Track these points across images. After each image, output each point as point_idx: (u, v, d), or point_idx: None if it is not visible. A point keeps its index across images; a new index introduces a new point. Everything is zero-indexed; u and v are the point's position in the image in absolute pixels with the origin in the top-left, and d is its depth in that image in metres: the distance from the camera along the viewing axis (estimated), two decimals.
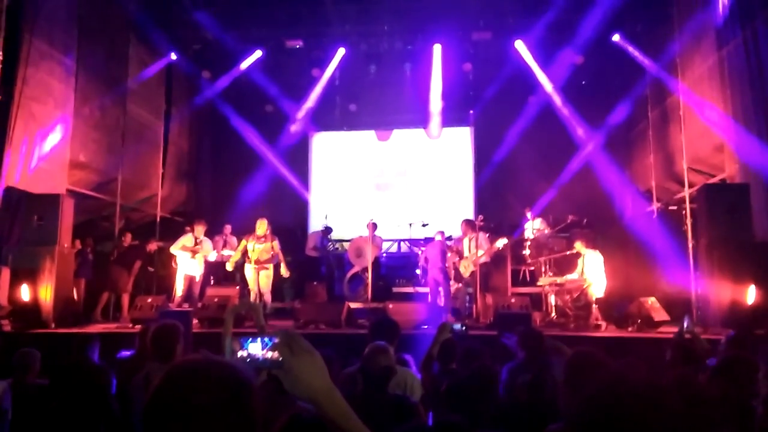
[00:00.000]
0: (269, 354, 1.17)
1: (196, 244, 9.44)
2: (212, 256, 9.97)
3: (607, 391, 1.03)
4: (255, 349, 1.18)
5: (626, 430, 0.96)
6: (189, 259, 9.35)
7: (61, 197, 8.63)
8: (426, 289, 11.11)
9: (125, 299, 9.90)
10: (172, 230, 11.99)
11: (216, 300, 8.72)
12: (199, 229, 9.52)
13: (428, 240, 12.19)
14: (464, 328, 4.34)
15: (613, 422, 0.97)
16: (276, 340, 1.16)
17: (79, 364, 3.55)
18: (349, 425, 1.15)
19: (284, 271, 9.41)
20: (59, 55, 9.48)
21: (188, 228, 9.88)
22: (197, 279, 9.51)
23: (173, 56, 12.87)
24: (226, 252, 10.59)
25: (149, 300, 8.80)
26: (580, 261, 8.92)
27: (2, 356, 4.33)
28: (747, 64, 8.11)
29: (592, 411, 1.01)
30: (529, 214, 11.37)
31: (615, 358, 3.48)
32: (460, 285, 10.01)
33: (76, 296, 9.37)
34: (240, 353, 1.18)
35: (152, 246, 10.66)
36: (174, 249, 9.44)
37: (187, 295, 9.38)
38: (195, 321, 8.11)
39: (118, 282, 9.91)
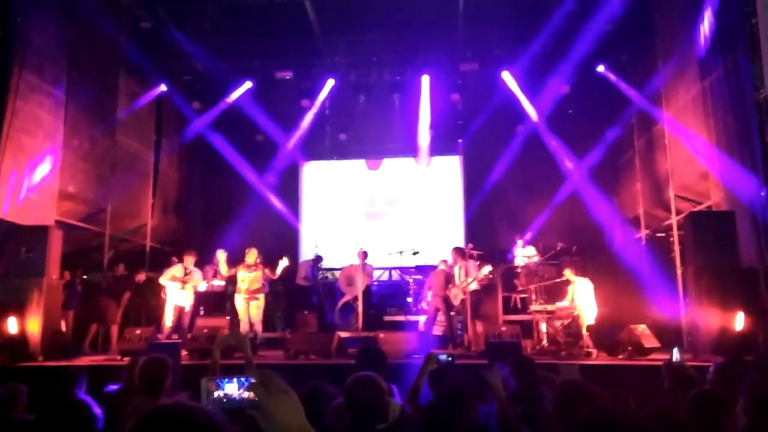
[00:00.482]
0: (245, 394, 1.17)
1: (185, 274, 9.38)
2: (202, 286, 9.92)
3: (592, 425, 1.05)
4: (231, 389, 1.19)
5: None
6: (178, 290, 9.29)
7: (50, 228, 8.59)
8: (417, 318, 11.10)
9: (114, 330, 9.81)
10: (161, 260, 11.93)
11: (206, 331, 8.64)
12: (189, 260, 9.48)
13: (419, 268, 12.21)
14: (450, 358, 4.31)
15: None
16: (252, 380, 1.17)
17: (65, 399, 3.50)
18: None
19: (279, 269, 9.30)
20: (49, 87, 9.52)
21: (175, 258, 9.84)
22: (187, 309, 9.43)
23: (163, 87, 12.95)
24: (216, 282, 10.55)
25: (138, 331, 8.71)
26: (570, 288, 8.94)
27: None
28: (729, 93, 8.25)
29: None
30: (519, 242, 11.44)
31: (606, 386, 3.48)
32: (453, 313, 9.99)
33: (64, 328, 9.27)
34: (216, 393, 1.19)
35: (141, 276, 10.60)
36: (163, 279, 9.39)
37: (177, 326, 9.30)
38: (184, 353, 8.03)
39: (107, 313, 9.84)
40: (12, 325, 7.90)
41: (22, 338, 7.92)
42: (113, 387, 4.50)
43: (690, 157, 9.45)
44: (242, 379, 1.19)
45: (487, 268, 9.33)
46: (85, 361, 8.22)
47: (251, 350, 8.86)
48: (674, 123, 9.99)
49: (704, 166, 9.02)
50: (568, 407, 2.70)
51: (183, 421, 1.06)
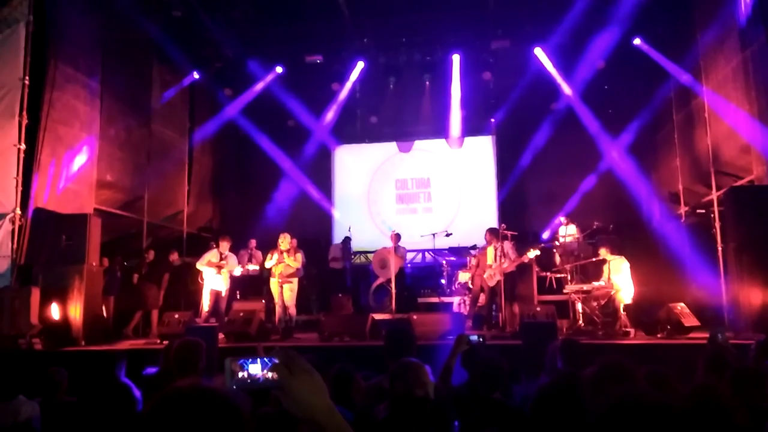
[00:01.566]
0: (269, 374, 1.17)
1: (221, 259, 9.49)
2: (237, 271, 10.03)
3: (622, 410, 1.02)
4: (255, 369, 1.19)
5: None
6: (214, 275, 9.42)
7: (89, 217, 8.79)
8: (451, 299, 11.08)
9: (154, 315, 10.02)
10: (198, 246, 12.10)
11: (242, 314, 8.77)
12: (224, 245, 9.59)
13: (452, 249, 12.18)
14: (481, 339, 4.29)
15: None
16: (275, 361, 1.17)
17: (106, 382, 3.59)
18: None
19: (294, 263, 9.39)
20: (84, 78, 9.71)
21: (213, 244, 9.97)
22: (223, 294, 9.56)
23: (196, 75, 13.08)
24: (251, 267, 10.67)
25: (176, 316, 8.90)
26: (605, 267, 8.79)
27: (33, 375, 4.41)
28: None
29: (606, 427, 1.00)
30: (563, 219, 11.29)
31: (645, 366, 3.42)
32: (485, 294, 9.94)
33: (105, 313, 9.51)
34: (240, 374, 1.19)
35: (174, 257, 10.77)
36: (200, 265, 9.53)
37: (214, 310, 9.45)
38: (221, 336, 8.17)
39: (148, 298, 10.06)
40: (55, 311, 8.14)
41: (64, 324, 8.16)
42: (152, 370, 4.60)
43: (731, 130, 9.17)
44: (266, 359, 1.19)
45: (534, 252, 9.24)
46: (125, 345, 8.43)
47: (287, 333, 9.02)
48: (714, 96, 9.69)
49: (745, 139, 8.75)
50: (604, 388, 2.64)
51: (197, 402, 1.07)
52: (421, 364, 2.92)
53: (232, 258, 9.73)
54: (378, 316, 9.21)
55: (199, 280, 9.86)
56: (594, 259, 9.24)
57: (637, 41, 11.82)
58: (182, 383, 1.14)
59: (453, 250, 12.19)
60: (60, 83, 9.10)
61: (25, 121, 8.59)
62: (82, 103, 9.67)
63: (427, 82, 13.81)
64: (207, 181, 14.24)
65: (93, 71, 9.94)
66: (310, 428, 1.14)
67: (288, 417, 1.14)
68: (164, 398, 1.09)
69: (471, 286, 10.25)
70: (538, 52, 12.58)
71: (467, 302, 10.36)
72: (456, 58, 13.20)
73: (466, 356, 4.02)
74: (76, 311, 8.23)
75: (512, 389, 4.08)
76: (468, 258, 11.18)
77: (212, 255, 9.50)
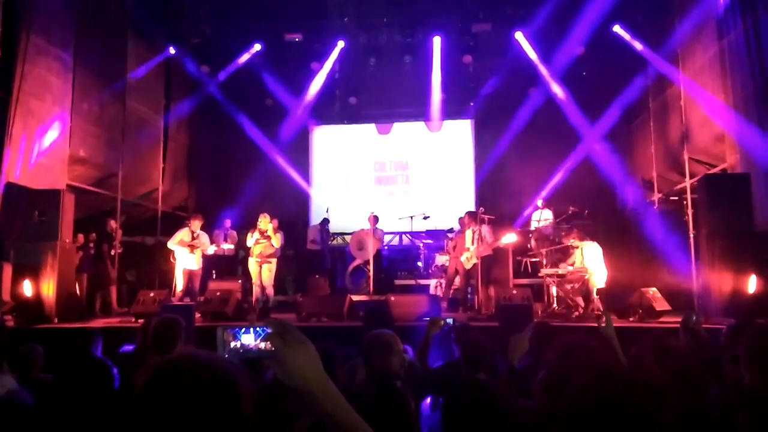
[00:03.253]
0: (262, 344, 1.16)
1: (193, 238, 9.40)
2: (210, 250, 9.92)
3: (594, 388, 1.03)
4: (248, 339, 1.18)
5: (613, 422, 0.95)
6: (187, 254, 9.32)
7: (62, 192, 8.62)
8: (427, 281, 11.15)
9: (113, 291, 9.88)
10: (173, 226, 11.97)
11: (218, 294, 8.72)
12: (195, 224, 9.47)
13: (430, 232, 12.22)
14: (452, 321, 4.37)
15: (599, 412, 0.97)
16: (268, 331, 1.16)
17: (82, 359, 3.54)
18: (343, 416, 1.13)
19: (276, 242, 9.39)
20: (57, 51, 9.45)
21: (186, 222, 9.85)
22: (196, 273, 9.49)
23: (172, 51, 12.83)
24: (225, 246, 10.57)
25: (152, 294, 8.81)
26: (576, 252, 8.92)
27: (6, 352, 4.33)
28: (748, 54, 8.07)
29: (579, 402, 1.01)
30: (540, 202, 11.38)
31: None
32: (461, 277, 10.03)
33: (78, 291, 9.38)
34: (233, 344, 1.17)
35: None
36: (171, 244, 9.42)
37: (188, 290, 9.38)
38: (197, 315, 8.12)
39: (101, 277, 9.92)
40: (27, 288, 8.01)
41: (37, 301, 8.02)
42: (128, 347, 4.56)
43: (706, 118, 9.30)
44: (258, 329, 1.17)
45: (511, 236, 9.33)
46: (99, 323, 8.33)
47: (264, 313, 8.99)
48: (690, 84, 9.81)
49: (720, 127, 8.89)
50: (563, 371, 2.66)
51: (195, 372, 1.05)
52: (393, 334, 2.94)
53: (204, 237, 9.64)
54: (356, 297, 9.23)
55: (171, 260, 9.75)
56: (563, 245, 9.37)
57: (616, 28, 11.88)
58: (177, 353, 1.11)
59: (430, 233, 12.24)
60: (31, 55, 8.83)
61: None
62: (54, 77, 9.42)
63: (408, 64, 13.74)
64: (182, 160, 14.04)
65: (66, 44, 9.68)
66: (304, 398, 1.14)
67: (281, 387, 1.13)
68: (161, 369, 1.07)
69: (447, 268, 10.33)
70: (519, 36, 12.58)
71: (443, 285, 10.44)
72: (437, 41, 13.14)
73: (459, 334, 4.07)
74: (48, 288, 8.10)
75: (495, 362, 4.15)
76: (445, 241, 11.24)
77: (184, 234, 9.40)
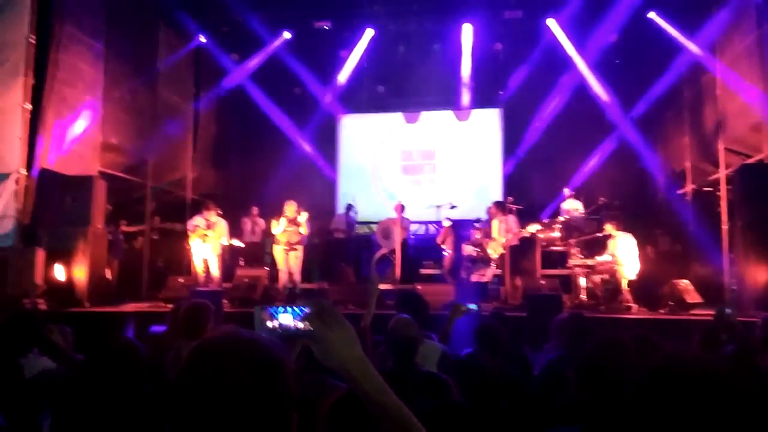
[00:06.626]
0: (300, 324, 1.14)
1: (207, 227, 9.21)
2: (224, 240, 9.53)
3: (666, 366, 0.99)
4: (285, 319, 1.15)
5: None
6: (201, 243, 9.22)
7: (94, 179, 8.77)
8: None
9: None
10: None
11: (246, 281, 8.79)
12: (208, 213, 9.26)
13: (456, 222, 12.14)
14: (477, 308, 4.35)
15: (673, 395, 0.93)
16: (307, 311, 1.14)
17: (114, 340, 3.59)
18: (382, 397, 1.12)
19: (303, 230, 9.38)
20: (88, 39, 9.58)
21: (202, 211, 9.62)
22: (211, 262, 9.29)
23: (202, 39, 12.91)
24: (235, 242, 10.25)
25: (181, 280, 8.93)
26: (611, 243, 8.76)
27: (39, 335, 4.41)
28: None
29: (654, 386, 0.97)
30: (567, 192, 11.19)
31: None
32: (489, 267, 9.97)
33: (109, 276, 9.53)
34: (269, 324, 1.15)
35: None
36: (190, 224, 9.33)
37: (207, 278, 9.28)
38: (224, 301, 8.19)
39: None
40: (59, 273, 8.16)
41: (69, 285, 8.18)
42: (158, 328, 4.62)
43: (742, 108, 9.07)
44: (296, 309, 1.15)
45: (535, 227, 9.24)
46: (130, 307, 8.46)
47: (291, 300, 9.04)
48: (727, 72, 9.56)
49: (756, 117, 8.66)
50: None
51: (239, 349, 1.03)
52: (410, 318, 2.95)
53: (220, 225, 9.43)
54: (382, 286, 9.21)
55: (187, 246, 9.65)
56: (599, 234, 9.21)
57: (651, 14, 11.61)
58: (219, 330, 1.09)
59: (457, 223, 12.15)
60: (64, 43, 8.97)
61: (30, 81, 8.49)
62: (85, 64, 9.55)
63: (437, 52, 13.60)
64: (211, 147, 14.14)
65: (97, 32, 9.80)
66: (344, 379, 1.12)
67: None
68: (205, 346, 1.05)
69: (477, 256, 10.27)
70: (551, 23, 12.38)
71: (471, 275, 10.37)
72: (467, 28, 13.00)
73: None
74: (80, 273, 8.25)
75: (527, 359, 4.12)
76: (471, 231, 11.16)
77: (198, 221, 9.31)
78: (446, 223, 10.81)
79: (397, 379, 2.52)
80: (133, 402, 2.65)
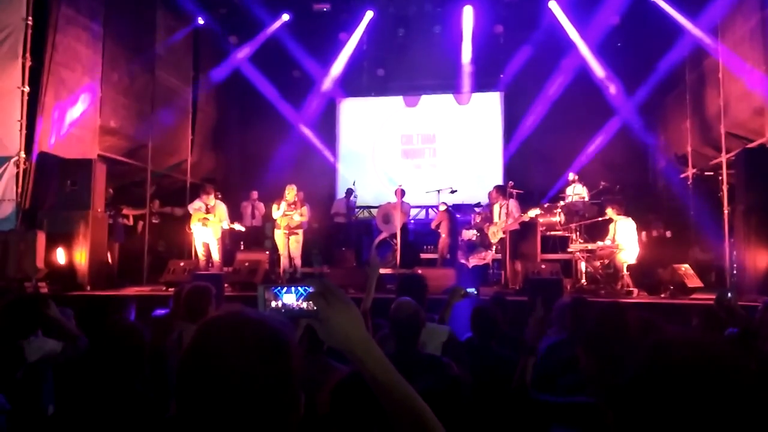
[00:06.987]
0: (304, 304, 1.14)
1: (207, 211, 9.24)
2: (225, 224, 9.52)
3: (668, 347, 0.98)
4: (289, 299, 1.15)
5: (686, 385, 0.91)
6: (201, 227, 9.26)
7: (94, 162, 8.74)
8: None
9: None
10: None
11: (247, 264, 8.79)
12: (206, 197, 9.27)
13: (457, 206, 12.14)
14: (476, 292, 4.38)
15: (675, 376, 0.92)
16: (311, 290, 1.13)
17: (117, 323, 3.60)
18: (387, 376, 1.11)
19: (301, 217, 9.41)
20: (85, 20, 9.49)
21: (200, 194, 9.64)
22: (212, 246, 9.35)
23: (200, 21, 12.80)
24: (236, 226, 10.27)
25: (182, 264, 8.93)
26: (611, 227, 8.75)
27: (42, 317, 4.42)
28: None
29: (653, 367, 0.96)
30: (571, 176, 11.14)
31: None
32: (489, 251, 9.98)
33: (110, 260, 9.53)
34: (274, 303, 1.15)
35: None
36: (190, 208, 9.38)
37: (208, 262, 9.34)
38: (226, 285, 8.20)
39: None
40: (60, 256, 8.17)
41: (70, 268, 8.19)
42: (161, 311, 4.62)
43: (744, 92, 9.02)
44: (300, 289, 1.15)
45: (535, 211, 9.23)
46: (131, 291, 8.48)
47: (292, 284, 9.08)
48: (730, 55, 9.50)
49: (759, 101, 8.62)
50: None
51: (245, 328, 1.02)
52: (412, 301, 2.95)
53: (221, 210, 9.43)
54: (382, 270, 9.22)
55: (188, 230, 9.69)
56: (600, 219, 9.21)
57: None
58: (225, 310, 1.08)
59: (457, 207, 12.15)
60: (61, 25, 8.89)
61: (28, 63, 8.43)
62: (84, 46, 9.47)
63: (437, 35, 13.50)
64: (210, 131, 14.08)
65: (95, 13, 9.71)
66: (348, 359, 1.12)
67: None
68: (211, 324, 1.04)
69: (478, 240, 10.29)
70: (553, 5, 12.28)
71: (469, 258, 10.39)
72: (468, 10, 12.90)
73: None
74: (81, 256, 8.26)
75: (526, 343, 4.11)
76: (472, 215, 11.16)
77: (197, 205, 9.31)
78: (441, 207, 10.77)
79: (400, 362, 2.53)
80: (134, 383, 2.67)
